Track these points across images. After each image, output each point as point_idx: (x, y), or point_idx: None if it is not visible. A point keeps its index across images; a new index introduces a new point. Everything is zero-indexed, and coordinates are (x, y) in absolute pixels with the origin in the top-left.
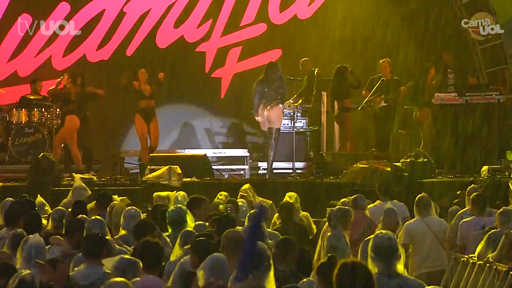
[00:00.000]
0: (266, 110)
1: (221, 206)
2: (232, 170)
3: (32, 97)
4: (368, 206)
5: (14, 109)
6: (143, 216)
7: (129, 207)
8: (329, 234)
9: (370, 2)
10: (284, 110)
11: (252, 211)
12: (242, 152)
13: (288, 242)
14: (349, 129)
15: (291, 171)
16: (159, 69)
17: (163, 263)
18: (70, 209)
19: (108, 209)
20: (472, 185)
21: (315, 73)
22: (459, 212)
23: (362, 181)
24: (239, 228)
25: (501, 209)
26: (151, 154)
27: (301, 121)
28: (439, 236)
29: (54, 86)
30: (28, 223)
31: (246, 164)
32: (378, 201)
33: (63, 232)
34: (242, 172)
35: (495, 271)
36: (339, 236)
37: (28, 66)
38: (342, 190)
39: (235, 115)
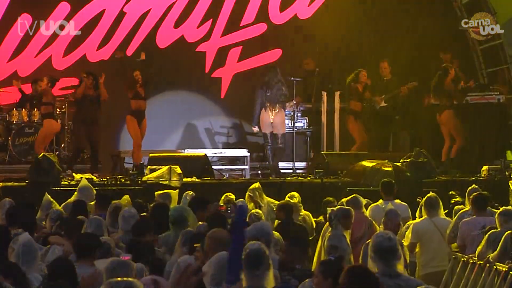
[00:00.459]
0: (271, 113)
1: (221, 206)
2: (232, 170)
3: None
4: (369, 206)
5: (14, 109)
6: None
7: (127, 207)
8: (329, 234)
9: (370, 2)
10: (285, 110)
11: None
12: (242, 152)
13: (302, 241)
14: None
15: (291, 171)
16: (159, 69)
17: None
18: None
19: (108, 209)
20: (472, 185)
21: (315, 73)
22: (459, 212)
23: (364, 180)
24: None
25: (501, 209)
26: (151, 154)
27: (301, 121)
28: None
29: (79, 89)
30: (25, 223)
31: (246, 164)
32: (380, 200)
33: (63, 232)
34: (242, 172)
35: (495, 271)
36: (339, 236)
37: (28, 66)
38: (342, 190)
39: (235, 115)
